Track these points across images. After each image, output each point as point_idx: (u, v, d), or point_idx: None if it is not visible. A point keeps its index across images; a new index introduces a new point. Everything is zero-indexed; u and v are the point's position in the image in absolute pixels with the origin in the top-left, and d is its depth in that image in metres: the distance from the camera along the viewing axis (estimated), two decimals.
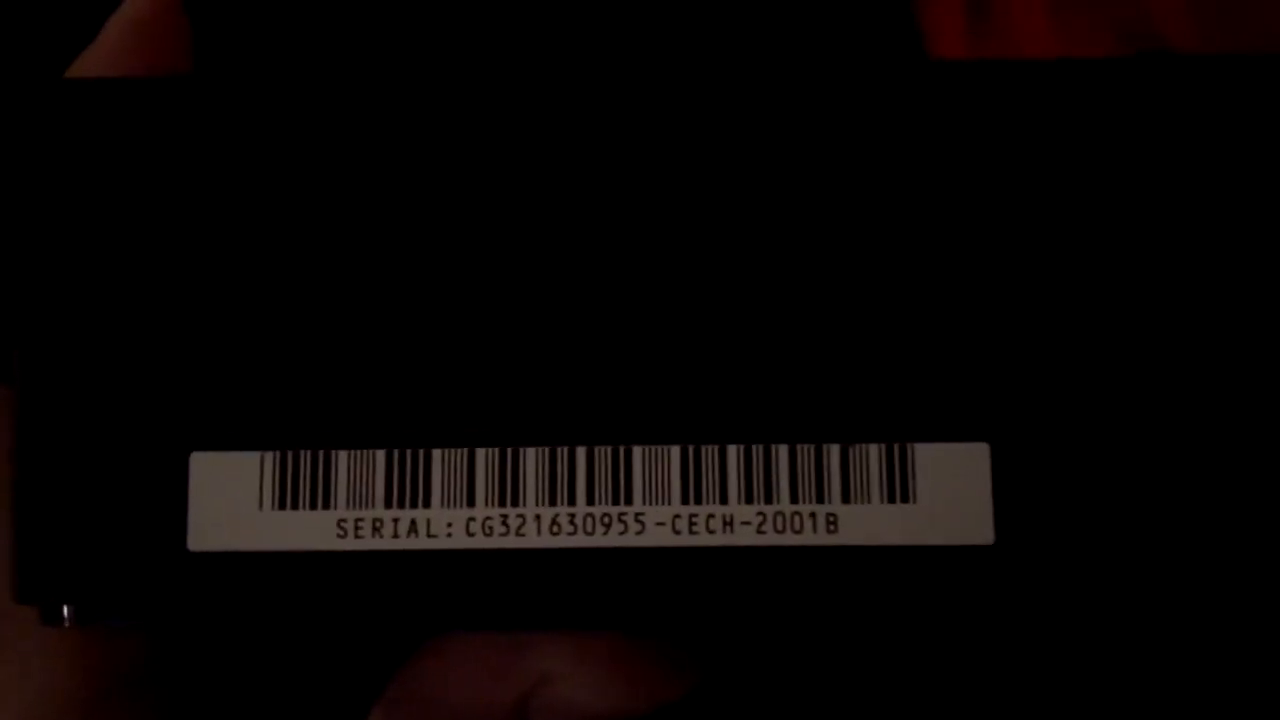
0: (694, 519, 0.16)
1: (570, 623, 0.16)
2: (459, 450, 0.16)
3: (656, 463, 0.16)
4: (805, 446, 0.16)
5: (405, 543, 0.16)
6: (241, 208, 0.16)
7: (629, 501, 0.16)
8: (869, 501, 0.16)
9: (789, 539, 0.16)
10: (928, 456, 0.16)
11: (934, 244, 0.16)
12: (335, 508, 0.16)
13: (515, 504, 0.16)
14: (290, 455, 0.16)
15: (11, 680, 0.19)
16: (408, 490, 0.16)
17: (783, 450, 0.16)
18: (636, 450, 0.16)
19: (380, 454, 0.16)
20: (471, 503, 0.16)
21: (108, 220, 0.16)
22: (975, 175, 0.16)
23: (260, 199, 0.16)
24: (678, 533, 0.16)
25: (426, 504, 0.16)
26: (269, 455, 0.16)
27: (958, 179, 0.16)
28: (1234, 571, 0.16)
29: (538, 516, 0.16)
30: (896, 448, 0.16)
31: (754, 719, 0.23)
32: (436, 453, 0.16)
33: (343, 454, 0.16)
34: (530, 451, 0.16)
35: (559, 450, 0.16)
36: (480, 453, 0.16)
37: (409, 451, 0.16)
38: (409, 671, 0.18)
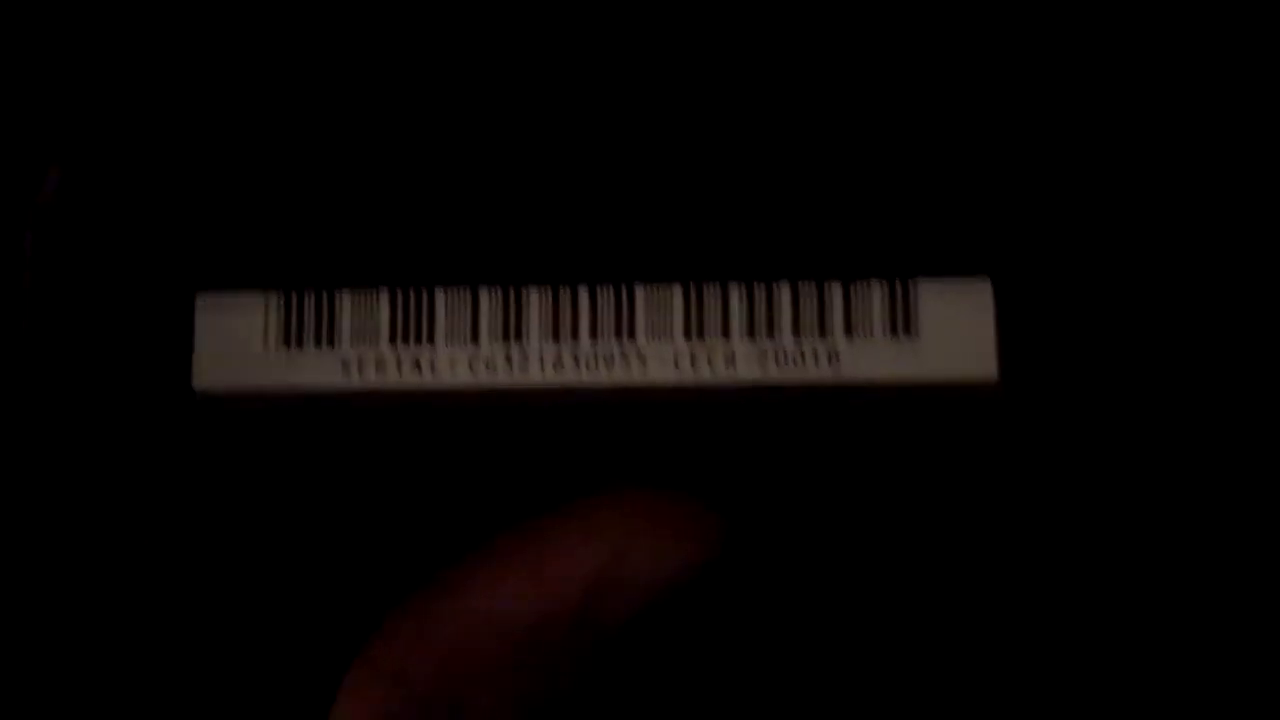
0: (696, 356, 0.16)
1: (575, 463, 0.16)
2: (463, 289, 0.16)
3: (659, 300, 0.16)
4: (807, 283, 0.16)
5: (409, 380, 0.16)
6: (244, 43, 0.17)
7: (631, 338, 0.16)
8: (871, 336, 0.16)
9: (792, 373, 0.16)
10: (931, 292, 0.16)
11: (932, 74, 0.16)
12: (340, 346, 0.16)
13: (519, 341, 0.16)
14: (295, 295, 0.16)
15: None
16: (412, 328, 0.16)
17: (784, 288, 0.16)
18: (639, 288, 0.16)
19: (384, 293, 0.16)
20: (476, 340, 0.16)
21: (115, 57, 0.17)
22: None
23: (263, 33, 0.17)
24: (680, 369, 0.16)
25: (430, 341, 0.16)
26: (274, 295, 0.16)
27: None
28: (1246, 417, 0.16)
29: (541, 354, 0.16)
30: (899, 284, 0.16)
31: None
32: (440, 291, 0.16)
33: (347, 293, 0.16)
34: (534, 290, 0.16)
35: (561, 289, 0.16)
36: (484, 291, 0.16)
37: (413, 290, 0.16)
38: (450, 584, 0.16)
